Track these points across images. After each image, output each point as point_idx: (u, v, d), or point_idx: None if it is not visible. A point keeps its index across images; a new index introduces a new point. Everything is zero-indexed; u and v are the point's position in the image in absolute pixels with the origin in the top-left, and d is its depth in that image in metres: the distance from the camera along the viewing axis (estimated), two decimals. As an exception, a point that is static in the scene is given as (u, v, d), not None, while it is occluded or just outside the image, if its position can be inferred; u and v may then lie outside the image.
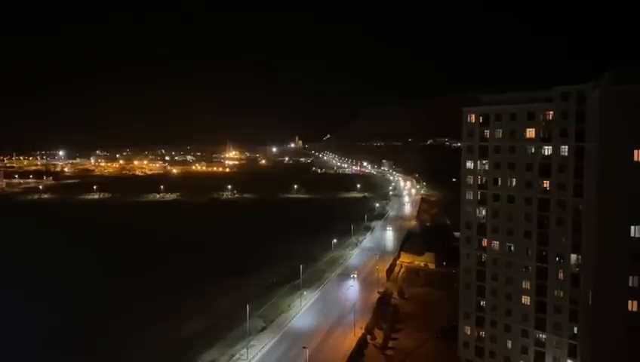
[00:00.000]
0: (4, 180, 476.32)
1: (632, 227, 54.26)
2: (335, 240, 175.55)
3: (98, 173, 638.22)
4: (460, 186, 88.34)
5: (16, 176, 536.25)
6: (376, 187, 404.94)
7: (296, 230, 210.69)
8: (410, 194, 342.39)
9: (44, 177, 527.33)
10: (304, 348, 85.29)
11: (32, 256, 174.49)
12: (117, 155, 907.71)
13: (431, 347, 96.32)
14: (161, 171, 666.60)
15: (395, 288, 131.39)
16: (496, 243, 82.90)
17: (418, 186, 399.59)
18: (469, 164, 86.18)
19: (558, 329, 74.83)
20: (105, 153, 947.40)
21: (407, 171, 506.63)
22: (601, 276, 56.76)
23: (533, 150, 77.23)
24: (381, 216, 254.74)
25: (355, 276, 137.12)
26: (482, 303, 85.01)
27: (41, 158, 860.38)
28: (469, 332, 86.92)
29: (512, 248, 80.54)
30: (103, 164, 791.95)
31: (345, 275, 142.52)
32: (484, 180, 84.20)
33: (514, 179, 79.95)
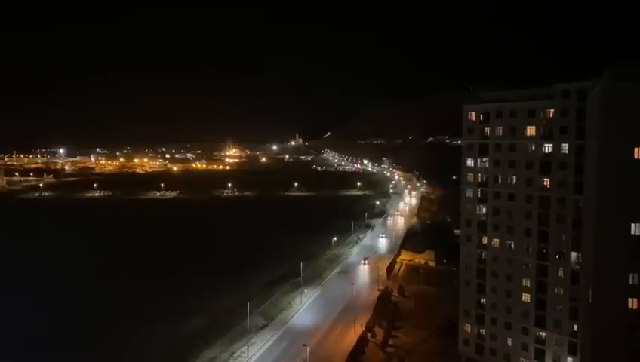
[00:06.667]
0: (5, 178, 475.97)
1: (633, 224, 54.30)
2: (335, 238, 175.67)
3: (98, 171, 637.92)
4: (460, 184, 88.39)
5: (17, 173, 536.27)
6: (377, 185, 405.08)
7: (296, 228, 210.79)
8: (410, 192, 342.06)
9: (45, 175, 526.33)
10: (305, 345, 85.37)
11: (32, 254, 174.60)
12: (117, 153, 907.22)
13: (431, 344, 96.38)
14: (162, 169, 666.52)
15: (395, 286, 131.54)
16: (496, 241, 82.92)
17: (418, 184, 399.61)
18: (470, 162, 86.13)
19: (559, 327, 74.85)
20: (105, 151, 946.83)
21: (408, 169, 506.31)
22: (601, 274, 56.83)
23: (533, 148, 77.12)
24: (381, 213, 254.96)
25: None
26: (482, 301, 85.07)
27: (42, 156, 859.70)
28: (469, 330, 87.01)
29: (513, 245, 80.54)
30: (103, 161, 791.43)
31: (345, 273, 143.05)
32: (484, 178, 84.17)
33: (514, 177, 79.89)
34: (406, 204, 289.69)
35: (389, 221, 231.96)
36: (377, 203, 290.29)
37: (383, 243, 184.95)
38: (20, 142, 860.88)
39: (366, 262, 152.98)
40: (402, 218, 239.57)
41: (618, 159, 54.48)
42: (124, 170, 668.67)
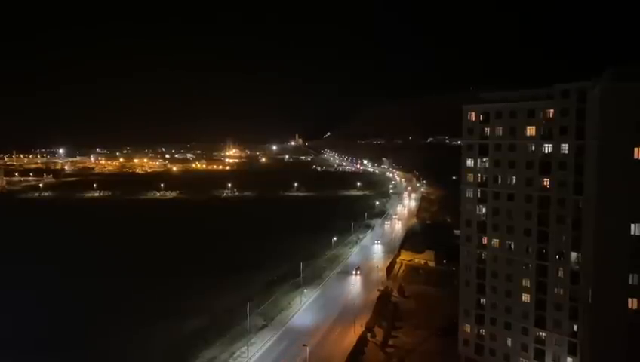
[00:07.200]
0: (5, 178, 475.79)
1: (632, 225, 54.30)
2: (335, 238, 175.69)
3: (98, 171, 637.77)
4: (460, 184, 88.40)
5: (17, 174, 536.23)
6: (377, 185, 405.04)
7: (296, 228, 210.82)
8: (409, 194, 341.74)
9: (44, 175, 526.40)
10: (304, 345, 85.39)
11: (32, 254, 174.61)
12: (117, 153, 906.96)
13: (431, 344, 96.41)
14: (161, 169, 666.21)
15: (395, 286, 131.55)
16: (496, 241, 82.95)
17: (418, 184, 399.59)
18: (469, 162, 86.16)
19: (558, 327, 74.89)
20: (105, 151, 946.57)
21: (408, 169, 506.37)
22: (601, 274, 56.83)
23: (533, 148, 77.16)
24: (381, 213, 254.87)
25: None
26: (482, 301, 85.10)
27: (42, 156, 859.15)
28: (469, 330, 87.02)
29: (512, 246, 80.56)
30: (103, 161, 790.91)
31: (345, 273, 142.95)
32: (484, 178, 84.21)
33: (514, 177, 79.93)
34: (405, 206, 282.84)
35: (387, 225, 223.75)
36: (377, 203, 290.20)
37: (378, 249, 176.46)
38: (20, 142, 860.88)
39: (358, 272, 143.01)
40: (400, 221, 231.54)
41: (618, 159, 54.47)
42: (123, 170, 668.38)
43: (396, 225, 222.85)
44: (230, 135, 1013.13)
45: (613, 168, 55.03)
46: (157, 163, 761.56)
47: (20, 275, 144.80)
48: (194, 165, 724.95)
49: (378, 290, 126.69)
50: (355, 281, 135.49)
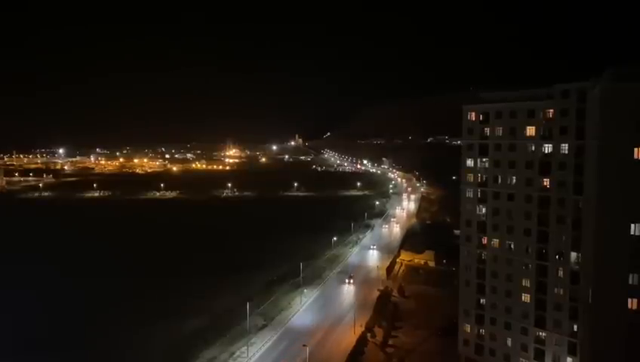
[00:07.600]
0: (5, 178, 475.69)
1: (632, 225, 54.28)
2: (335, 238, 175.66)
3: (98, 171, 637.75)
4: (460, 184, 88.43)
5: (17, 174, 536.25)
6: (377, 185, 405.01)
7: (296, 228, 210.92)
8: (409, 193, 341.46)
9: (44, 175, 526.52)
10: (304, 345, 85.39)
11: (31, 254, 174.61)
12: (117, 153, 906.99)
13: (431, 344, 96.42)
14: (161, 169, 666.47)
15: (395, 286, 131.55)
16: (496, 241, 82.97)
17: (418, 184, 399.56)
18: (469, 162, 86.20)
19: (558, 327, 74.90)
20: (105, 151, 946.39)
21: (408, 169, 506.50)
22: (601, 274, 56.84)
23: (533, 148, 77.19)
24: (381, 213, 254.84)
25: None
26: (482, 301, 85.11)
27: (42, 156, 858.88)
28: (468, 330, 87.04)
29: (512, 246, 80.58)
30: (103, 161, 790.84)
31: (345, 273, 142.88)
32: (484, 178, 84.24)
33: (514, 177, 79.96)
34: (403, 209, 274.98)
35: (384, 228, 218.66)
36: (377, 203, 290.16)
37: (374, 255, 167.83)
38: (20, 142, 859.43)
39: (351, 281, 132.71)
40: (398, 225, 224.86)
41: (618, 159, 54.47)
42: (123, 170, 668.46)
43: (394, 229, 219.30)
44: (230, 135, 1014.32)
45: (613, 168, 55.03)
46: (157, 163, 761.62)
47: (19, 275, 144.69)
48: (194, 165, 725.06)
49: (378, 290, 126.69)
50: (349, 291, 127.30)
